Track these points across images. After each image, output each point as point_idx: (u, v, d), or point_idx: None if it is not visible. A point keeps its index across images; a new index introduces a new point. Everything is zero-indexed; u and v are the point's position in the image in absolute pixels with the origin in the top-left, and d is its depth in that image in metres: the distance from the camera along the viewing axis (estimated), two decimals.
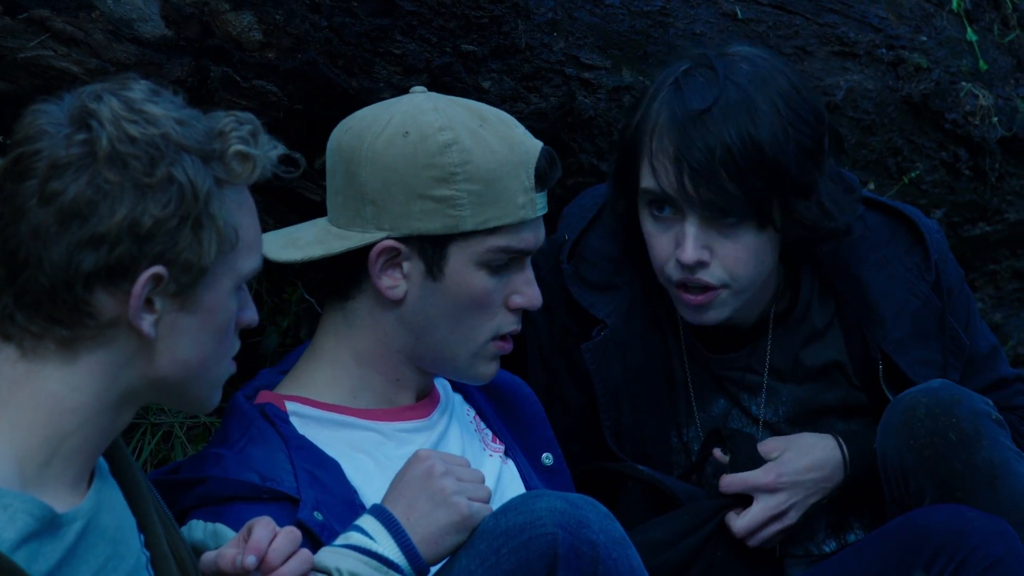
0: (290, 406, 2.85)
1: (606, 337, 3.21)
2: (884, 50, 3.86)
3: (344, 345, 2.88)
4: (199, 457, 2.78)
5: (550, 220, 3.00)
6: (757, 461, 3.18)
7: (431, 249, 2.81)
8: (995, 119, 4.01)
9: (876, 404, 3.26)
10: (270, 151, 2.31)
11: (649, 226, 3.11)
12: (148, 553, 2.36)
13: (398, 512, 2.58)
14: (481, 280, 2.83)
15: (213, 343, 2.31)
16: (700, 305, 3.10)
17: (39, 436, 2.21)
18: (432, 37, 3.32)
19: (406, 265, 2.82)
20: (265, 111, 3.23)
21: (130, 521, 2.35)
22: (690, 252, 3.05)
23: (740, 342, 3.28)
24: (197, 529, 2.66)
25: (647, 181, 3.07)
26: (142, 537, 2.36)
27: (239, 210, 2.29)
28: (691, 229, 3.05)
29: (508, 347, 2.91)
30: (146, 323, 2.23)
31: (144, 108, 2.22)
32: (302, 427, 2.82)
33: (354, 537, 2.56)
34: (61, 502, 2.21)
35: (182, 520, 2.69)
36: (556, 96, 3.47)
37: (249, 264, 2.31)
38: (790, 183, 3.03)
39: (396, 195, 2.79)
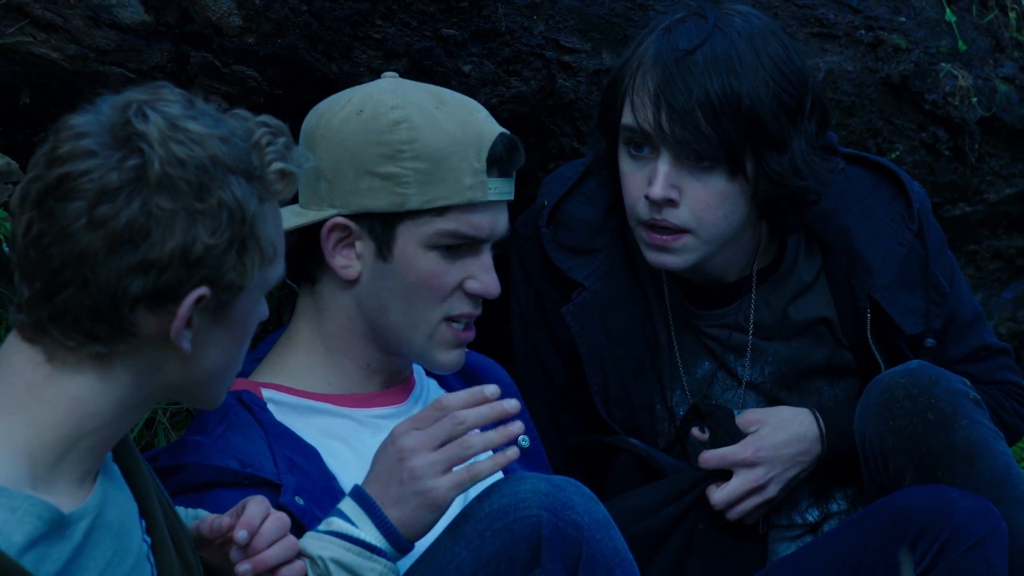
0: (266, 393, 2.85)
1: (586, 299, 3.24)
2: (863, 31, 3.87)
3: (315, 329, 2.89)
4: (177, 445, 2.78)
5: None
6: (735, 436, 3.20)
7: (380, 228, 2.82)
8: (974, 100, 4.02)
9: (861, 363, 3.28)
10: (304, 163, 2.30)
11: (625, 165, 3.14)
12: (149, 539, 2.36)
13: (375, 495, 2.58)
14: (431, 262, 2.83)
15: (238, 348, 2.32)
16: (663, 246, 3.13)
17: (55, 434, 2.20)
18: (412, 21, 3.31)
19: (358, 244, 2.83)
20: (245, 96, 3.23)
21: (133, 509, 2.34)
22: (658, 189, 3.08)
23: (726, 299, 3.29)
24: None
25: (627, 117, 3.11)
26: (143, 523, 2.36)
27: (274, 224, 2.28)
28: (663, 167, 3.08)
29: (467, 335, 2.90)
30: (186, 340, 2.22)
31: (188, 127, 2.19)
32: (279, 414, 2.82)
33: (336, 523, 2.56)
34: (69, 498, 2.20)
35: None
36: (536, 79, 3.47)
37: (277, 273, 2.31)
38: (764, 134, 3.07)
39: (346, 172, 2.81)
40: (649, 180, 3.10)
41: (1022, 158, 4.18)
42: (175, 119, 2.19)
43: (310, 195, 2.85)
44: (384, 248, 2.83)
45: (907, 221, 3.28)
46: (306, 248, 2.86)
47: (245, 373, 2.91)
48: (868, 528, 3.01)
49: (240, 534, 2.44)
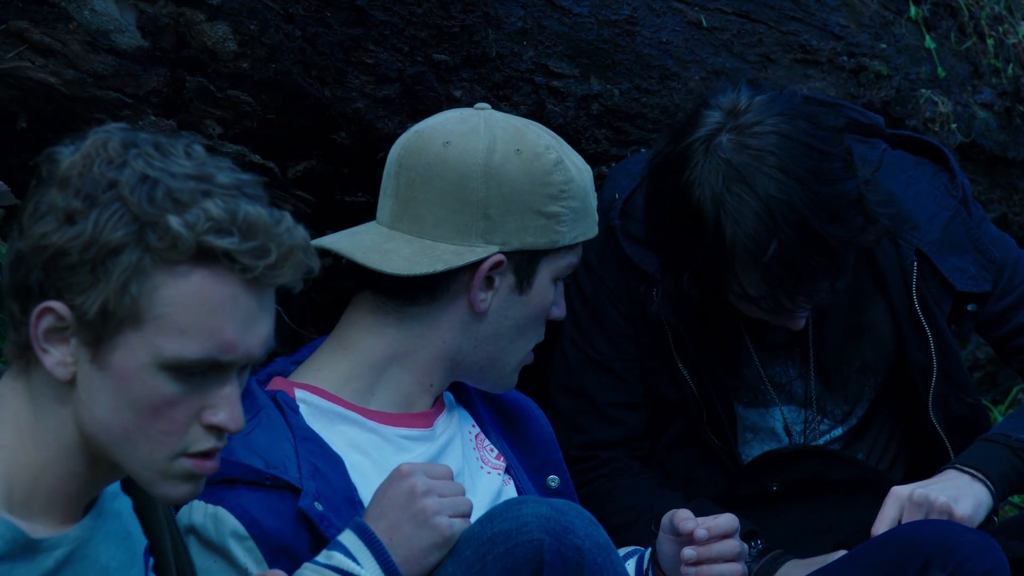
0: (299, 393, 2.86)
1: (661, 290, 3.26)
2: (846, 57, 3.91)
3: (386, 345, 2.89)
4: None
5: None
6: None
7: (527, 264, 2.88)
8: (954, 125, 4.06)
9: (902, 338, 3.32)
10: (231, 245, 2.12)
11: (738, 300, 3.13)
12: None
13: (380, 532, 2.59)
14: (552, 294, 2.93)
15: (134, 417, 2.16)
16: None
17: (20, 462, 2.18)
18: (404, 46, 3.34)
19: (498, 279, 2.88)
20: (239, 121, 3.25)
21: (137, 548, 2.31)
22: (801, 324, 3.17)
23: None
24: (198, 511, 2.67)
25: (751, 289, 3.07)
26: (151, 560, 2.33)
27: (172, 288, 2.13)
28: (801, 313, 3.14)
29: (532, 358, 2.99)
30: (49, 358, 2.16)
31: (131, 161, 2.14)
32: (309, 416, 2.83)
33: (337, 558, 2.56)
34: (47, 529, 2.18)
35: None
36: (526, 104, 3.50)
37: (175, 349, 2.13)
38: (857, 243, 3.11)
39: (514, 210, 2.86)
40: (775, 311, 3.11)
41: (1001, 184, 4.23)
42: (130, 149, 2.15)
43: (457, 229, 2.86)
44: (524, 283, 2.89)
45: (951, 190, 3.33)
46: (425, 277, 2.85)
47: (284, 374, 2.93)
48: (873, 560, 3.00)
49: None
